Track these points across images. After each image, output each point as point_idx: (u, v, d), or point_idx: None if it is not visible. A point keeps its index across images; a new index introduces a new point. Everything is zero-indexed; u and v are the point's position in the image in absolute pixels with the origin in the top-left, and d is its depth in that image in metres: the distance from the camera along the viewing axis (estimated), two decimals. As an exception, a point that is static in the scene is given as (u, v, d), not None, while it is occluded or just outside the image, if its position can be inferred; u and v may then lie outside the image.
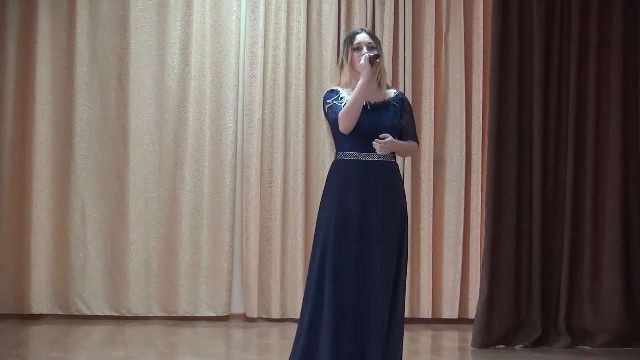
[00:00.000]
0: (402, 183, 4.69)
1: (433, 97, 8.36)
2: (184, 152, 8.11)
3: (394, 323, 4.51)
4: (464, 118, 8.40)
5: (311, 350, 4.50)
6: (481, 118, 8.36)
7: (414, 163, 8.33)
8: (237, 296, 8.18)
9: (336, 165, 4.62)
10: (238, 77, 8.18)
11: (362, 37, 4.63)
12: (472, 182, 8.40)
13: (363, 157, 4.54)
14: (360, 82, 4.49)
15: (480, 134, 8.36)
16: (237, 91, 8.17)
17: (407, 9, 8.32)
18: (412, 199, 8.31)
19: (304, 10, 8.23)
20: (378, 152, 4.54)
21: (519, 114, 7.10)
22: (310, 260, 4.64)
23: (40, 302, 7.88)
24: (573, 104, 7.14)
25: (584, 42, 7.17)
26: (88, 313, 7.96)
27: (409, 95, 8.29)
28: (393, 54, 8.30)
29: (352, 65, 4.60)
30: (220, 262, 8.09)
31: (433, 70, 8.36)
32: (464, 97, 8.39)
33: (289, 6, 8.23)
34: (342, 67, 4.67)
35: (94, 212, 8.01)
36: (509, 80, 7.08)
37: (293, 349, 4.64)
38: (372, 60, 4.52)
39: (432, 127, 8.35)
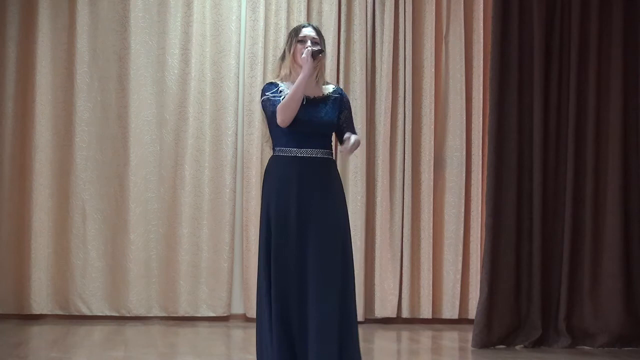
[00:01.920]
0: (340, 179, 4.60)
1: (433, 97, 8.36)
2: (184, 152, 8.12)
3: (347, 325, 4.41)
4: (464, 118, 8.40)
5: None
6: (481, 118, 8.37)
7: (414, 163, 8.33)
8: (237, 296, 8.18)
9: (273, 161, 4.54)
10: (238, 77, 8.18)
11: (308, 31, 4.57)
12: (472, 182, 8.41)
13: (301, 153, 4.47)
14: (301, 75, 4.42)
15: (480, 134, 8.36)
16: (237, 91, 8.17)
17: (407, 9, 8.32)
18: (412, 198, 8.32)
19: (304, 10, 8.23)
20: (347, 154, 4.48)
21: (519, 114, 7.10)
22: (258, 262, 4.55)
23: (40, 302, 7.88)
24: (573, 104, 7.14)
25: (584, 42, 7.17)
26: (88, 313, 7.96)
27: (409, 95, 8.29)
28: (393, 54, 8.30)
29: (294, 57, 4.54)
30: (220, 262, 8.09)
31: (433, 70, 8.36)
32: (464, 97, 8.39)
33: (289, 6, 8.24)
34: (283, 59, 4.61)
35: (94, 212, 8.01)
36: (509, 80, 7.08)
37: (257, 353, 4.55)
38: (315, 55, 4.47)
39: (432, 127, 8.35)
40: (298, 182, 4.45)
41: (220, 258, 8.09)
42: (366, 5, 8.30)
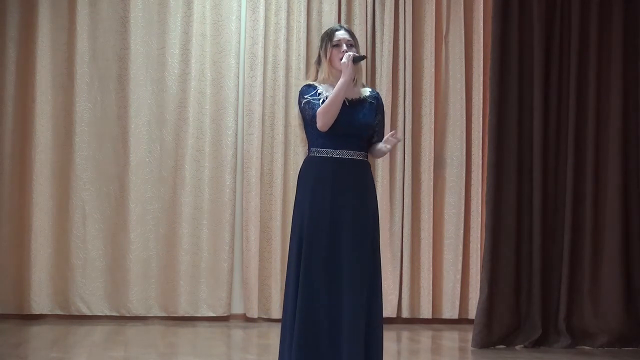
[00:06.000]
0: (374, 182, 4.62)
1: (433, 97, 8.36)
2: (184, 152, 8.12)
3: (374, 325, 4.42)
4: (464, 118, 8.40)
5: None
6: (481, 118, 8.37)
7: (414, 163, 8.33)
8: (237, 296, 8.18)
9: (309, 162, 4.55)
10: (238, 77, 8.18)
11: (342, 34, 4.55)
12: (472, 182, 8.41)
13: (337, 154, 4.47)
14: (342, 80, 4.41)
15: (480, 134, 8.37)
16: (237, 91, 8.18)
17: (407, 9, 8.33)
18: (412, 199, 8.32)
19: (304, 10, 8.23)
20: (389, 147, 4.49)
21: (519, 114, 7.10)
22: (288, 262, 4.55)
23: (40, 302, 7.88)
24: (573, 104, 7.14)
25: (584, 42, 7.17)
26: (88, 313, 7.96)
27: (409, 95, 8.30)
28: (393, 54, 8.30)
29: (331, 61, 4.54)
30: (220, 262, 8.09)
31: (433, 70, 8.36)
32: (464, 97, 8.40)
33: (289, 6, 8.24)
34: (319, 63, 4.60)
35: (94, 212, 8.01)
36: (509, 80, 7.08)
37: (280, 351, 4.55)
38: (357, 60, 4.47)
39: (432, 127, 8.35)
40: (332, 183, 4.45)
41: (220, 258, 8.09)
42: (366, 5, 8.30)
